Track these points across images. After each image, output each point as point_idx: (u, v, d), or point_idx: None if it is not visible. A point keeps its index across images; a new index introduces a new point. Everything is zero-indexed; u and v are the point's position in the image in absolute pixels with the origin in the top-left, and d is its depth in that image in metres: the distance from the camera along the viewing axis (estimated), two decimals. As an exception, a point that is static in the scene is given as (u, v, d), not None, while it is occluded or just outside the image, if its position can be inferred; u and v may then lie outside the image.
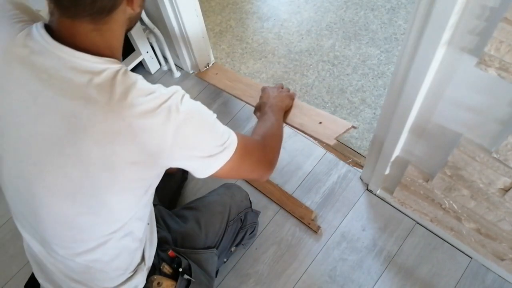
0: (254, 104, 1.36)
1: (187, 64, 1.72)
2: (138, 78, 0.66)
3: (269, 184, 1.44)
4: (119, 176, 0.65)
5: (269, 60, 1.78)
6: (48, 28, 0.64)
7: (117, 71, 0.64)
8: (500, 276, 1.19)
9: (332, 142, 1.24)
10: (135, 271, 0.84)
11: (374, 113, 1.55)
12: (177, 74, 1.78)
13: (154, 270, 0.89)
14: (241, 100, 1.52)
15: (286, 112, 1.27)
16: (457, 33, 0.71)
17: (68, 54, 0.62)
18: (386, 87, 1.61)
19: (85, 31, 0.63)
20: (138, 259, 0.84)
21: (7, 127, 0.67)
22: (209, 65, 1.76)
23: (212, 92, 1.71)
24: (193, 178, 1.48)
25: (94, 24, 0.63)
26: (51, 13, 0.64)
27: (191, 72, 1.77)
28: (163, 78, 1.79)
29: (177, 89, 0.68)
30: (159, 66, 1.81)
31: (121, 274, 0.81)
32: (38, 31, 0.64)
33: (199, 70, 1.73)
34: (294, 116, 1.33)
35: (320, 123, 1.30)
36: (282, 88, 1.29)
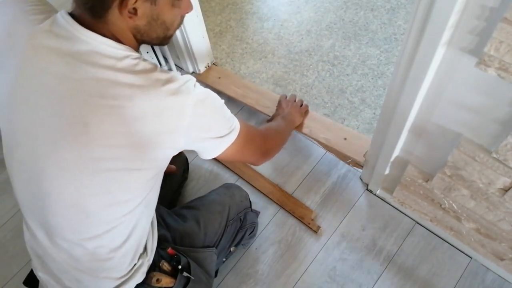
0: (271, 114, 1.49)
1: (187, 64, 1.72)
2: (157, 65, 0.71)
3: (269, 184, 1.44)
4: (140, 154, 0.68)
5: (269, 60, 1.78)
6: (73, 16, 0.67)
7: (138, 58, 0.68)
8: (499, 276, 1.20)
9: (362, 159, 1.34)
10: (140, 264, 0.85)
11: (374, 113, 1.56)
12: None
13: (154, 267, 0.89)
14: (256, 109, 1.56)
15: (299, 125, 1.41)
16: (457, 33, 0.72)
17: (93, 39, 0.65)
18: (386, 87, 1.61)
19: (94, 22, 0.66)
20: (141, 249, 0.85)
21: (28, 109, 0.68)
22: (209, 65, 1.76)
23: (212, 90, 1.70)
24: (193, 178, 1.48)
25: (95, 20, 0.66)
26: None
27: (191, 72, 1.77)
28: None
29: (189, 77, 0.72)
30: (159, 66, 1.81)
31: (127, 263, 0.82)
32: (64, 18, 0.67)
33: (199, 70, 1.73)
34: (319, 131, 1.44)
35: (345, 139, 1.40)
36: (295, 101, 1.43)
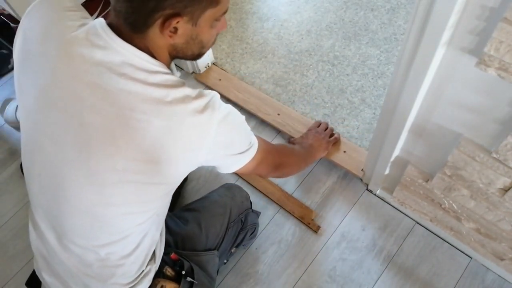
0: (273, 122, 1.53)
1: (187, 64, 1.72)
2: (184, 82, 0.71)
3: (269, 184, 1.44)
4: (162, 169, 0.69)
5: (269, 60, 1.78)
6: (110, 26, 0.68)
7: (168, 73, 0.69)
8: (499, 276, 1.20)
9: (361, 174, 1.38)
10: (148, 271, 0.85)
11: (374, 113, 1.56)
12: (177, 74, 1.78)
13: (158, 273, 0.89)
14: (257, 116, 1.58)
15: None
16: (457, 33, 0.72)
17: (128, 51, 0.66)
18: (386, 87, 1.61)
19: (132, 35, 0.66)
20: (150, 256, 0.86)
21: (57, 114, 0.68)
22: (209, 65, 1.76)
23: (212, 92, 1.71)
24: (193, 178, 1.48)
25: (134, 33, 0.66)
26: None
27: (191, 72, 1.77)
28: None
29: (214, 93, 0.73)
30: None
31: (136, 269, 0.82)
32: (102, 27, 0.67)
33: (199, 70, 1.73)
34: None
35: (345, 152, 1.44)
36: (326, 129, 1.41)
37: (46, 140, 0.70)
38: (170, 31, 0.65)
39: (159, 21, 0.63)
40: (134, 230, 0.77)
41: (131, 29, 0.65)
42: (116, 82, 0.65)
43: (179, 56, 0.74)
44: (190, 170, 0.76)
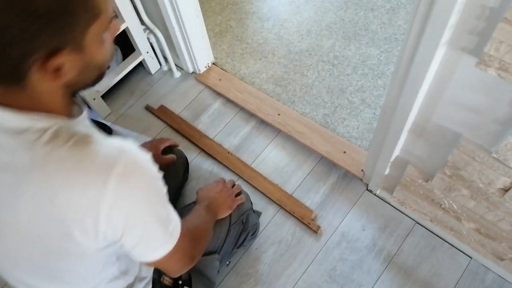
0: (273, 122, 1.52)
1: (187, 64, 1.72)
2: (75, 133, 0.55)
3: (269, 184, 1.44)
4: (47, 260, 0.60)
5: (269, 60, 1.78)
6: None
7: (43, 131, 0.53)
8: (499, 276, 1.20)
9: (361, 174, 1.38)
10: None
11: (374, 113, 1.56)
12: (177, 74, 1.78)
13: (155, 283, 0.88)
14: (257, 116, 1.57)
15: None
16: (457, 33, 0.72)
17: None
18: (386, 87, 1.61)
19: (5, 91, 0.52)
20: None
21: None
22: (209, 65, 1.76)
23: (212, 92, 1.71)
24: (193, 178, 1.48)
25: (4, 88, 0.52)
26: None
27: (191, 72, 1.77)
28: (163, 78, 1.79)
29: (131, 149, 0.57)
30: (159, 66, 1.81)
31: None
32: None
33: (199, 70, 1.73)
34: (319, 143, 1.48)
35: (344, 152, 1.44)
36: (233, 186, 1.15)
37: None
38: (54, 72, 0.51)
39: (35, 67, 0.49)
40: None
41: (5, 84, 0.51)
42: None
43: (79, 89, 0.60)
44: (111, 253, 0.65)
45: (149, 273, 0.86)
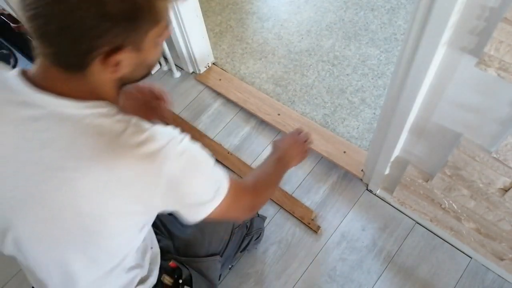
0: (273, 122, 1.52)
1: (187, 64, 1.72)
2: (131, 121, 0.60)
3: (269, 184, 1.44)
4: (110, 225, 0.63)
5: (269, 60, 1.78)
6: (26, 74, 0.60)
7: (104, 116, 0.59)
8: (499, 276, 1.20)
9: (361, 174, 1.38)
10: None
11: (374, 113, 1.55)
12: (177, 74, 1.78)
13: (156, 282, 0.88)
14: (257, 116, 1.58)
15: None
16: (457, 33, 0.72)
17: (48, 103, 0.58)
18: (386, 87, 1.61)
19: (61, 78, 0.58)
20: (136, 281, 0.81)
21: None
22: (209, 65, 1.76)
23: (212, 92, 1.71)
24: (193, 178, 1.48)
25: (67, 74, 0.58)
26: (36, 56, 0.60)
27: (191, 72, 1.77)
28: (163, 78, 1.79)
29: (174, 135, 0.63)
30: (159, 66, 1.81)
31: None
32: (17, 81, 0.59)
33: (199, 70, 1.73)
34: (319, 143, 1.48)
35: (344, 152, 1.44)
36: (300, 133, 1.18)
37: None
38: (113, 66, 0.57)
39: (98, 60, 0.55)
40: (109, 273, 0.72)
41: (64, 70, 0.57)
42: (39, 141, 0.58)
43: (128, 83, 0.66)
44: (150, 218, 0.69)
45: (155, 272, 0.87)
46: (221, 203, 0.71)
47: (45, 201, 0.60)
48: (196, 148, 0.66)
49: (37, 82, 0.59)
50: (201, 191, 0.68)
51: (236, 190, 0.76)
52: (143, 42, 0.58)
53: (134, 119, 0.61)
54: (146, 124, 0.61)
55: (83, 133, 0.58)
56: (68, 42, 0.53)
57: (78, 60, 0.55)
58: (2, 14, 1.52)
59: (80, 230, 0.63)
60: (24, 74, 0.60)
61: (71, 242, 0.64)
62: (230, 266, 1.22)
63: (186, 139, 0.64)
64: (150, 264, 0.85)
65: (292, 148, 1.10)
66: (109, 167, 0.57)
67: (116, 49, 0.55)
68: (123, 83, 0.64)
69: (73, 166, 0.57)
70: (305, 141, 1.17)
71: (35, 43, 0.55)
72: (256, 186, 0.89)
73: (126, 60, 0.57)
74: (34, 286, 0.79)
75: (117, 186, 0.58)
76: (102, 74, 0.58)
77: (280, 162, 1.04)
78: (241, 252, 1.19)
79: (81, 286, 0.71)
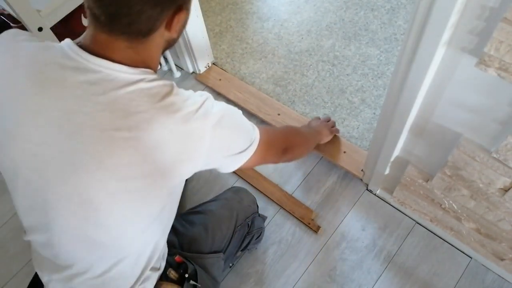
0: (273, 122, 1.53)
1: (187, 64, 1.72)
2: (174, 85, 0.67)
3: (269, 184, 1.44)
4: (157, 183, 0.67)
5: (269, 60, 1.78)
6: (79, 44, 0.65)
7: (153, 80, 0.65)
8: (499, 276, 1.20)
9: (361, 174, 1.38)
10: (148, 276, 0.84)
11: (374, 113, 1.56)
12: (177, 74, 1.78)
13: (162, 275, 0.88)
14: (257, 116, 1.58)
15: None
16: (457, 33, 0.72)
17: (104, 67, 0.62)
18: (386, 87, 1.61)
19: (120, 47, 0.63)
20: (151, 264, 0.83)
21: (33, 147, 0.64)
22: (209, 65, 1.76)
23: (212, 92, 1.71)
24: (193, 178, 1.48)
25: (129, 43, 0.63)
26: (88, 27, 0.65)
27: (191, 72, 1.77)
28: (164, 78, 1.79)
29: (208, 95, 0.71)
30: (159, 66, 1.81)
31: (137, 276, 0.81)
32: (71, 48, 0.64)
33: (199, 70, 1.73)
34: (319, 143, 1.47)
35: (345, 152, 1.44)
36: (328, 120, 1.45)
37: (28, 174, 0.66)
38: (175, 25, 0.64)
39: (164, 21, 0.62)
40: (136, 246, 0.76)
41: (128, 38, 0.63)
42: (95, 103, 0.62)
43: (166, 49, 0.73)
44: (187, 177, 0.73)
45: (162, 264, 0.88)
46: (256, 149, 0.80)
47: (101, 161, 0.62)
48: (224, 104, 0.74)
49: (92, 50, 0.63)
50: (238, 140, 0.76)
51: (268, 135, 0.86)
52: (190, 3, 0.66)
53: (174, 84, 0.68)
54: (180, 88, 0.68)
55: (138, 95, 0.63)
56: (148, 7, 0.59)
57: (150, 25, 0.62)
58: (2, 14, 1.52)
59: (127, 194, 0.66)
60: (77, 44, 0.65)
61: (128, 201, 0.67)
62: (230, 265, 1.22)
63: (211, 97, 0.72)
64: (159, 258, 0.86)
65: (323, 128, 1.35)
66: (164, 124, 0.63)
67: (179, 9, 0.63)
68: (166, 48, 0.71)
69: (129, 125, 0.62)
70: (332, 126, 1.42)
71: (97, 19, 0.60)
72: (287, 129, 1.06)
73: (180, 22, 0.65)
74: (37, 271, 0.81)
75: (171, 142, 0.64)
76: (160, 36, 0.65)
77: (312, 129, 1.27)
78: (241, 251, 1.19)
79: (129, 238, 0.74)
